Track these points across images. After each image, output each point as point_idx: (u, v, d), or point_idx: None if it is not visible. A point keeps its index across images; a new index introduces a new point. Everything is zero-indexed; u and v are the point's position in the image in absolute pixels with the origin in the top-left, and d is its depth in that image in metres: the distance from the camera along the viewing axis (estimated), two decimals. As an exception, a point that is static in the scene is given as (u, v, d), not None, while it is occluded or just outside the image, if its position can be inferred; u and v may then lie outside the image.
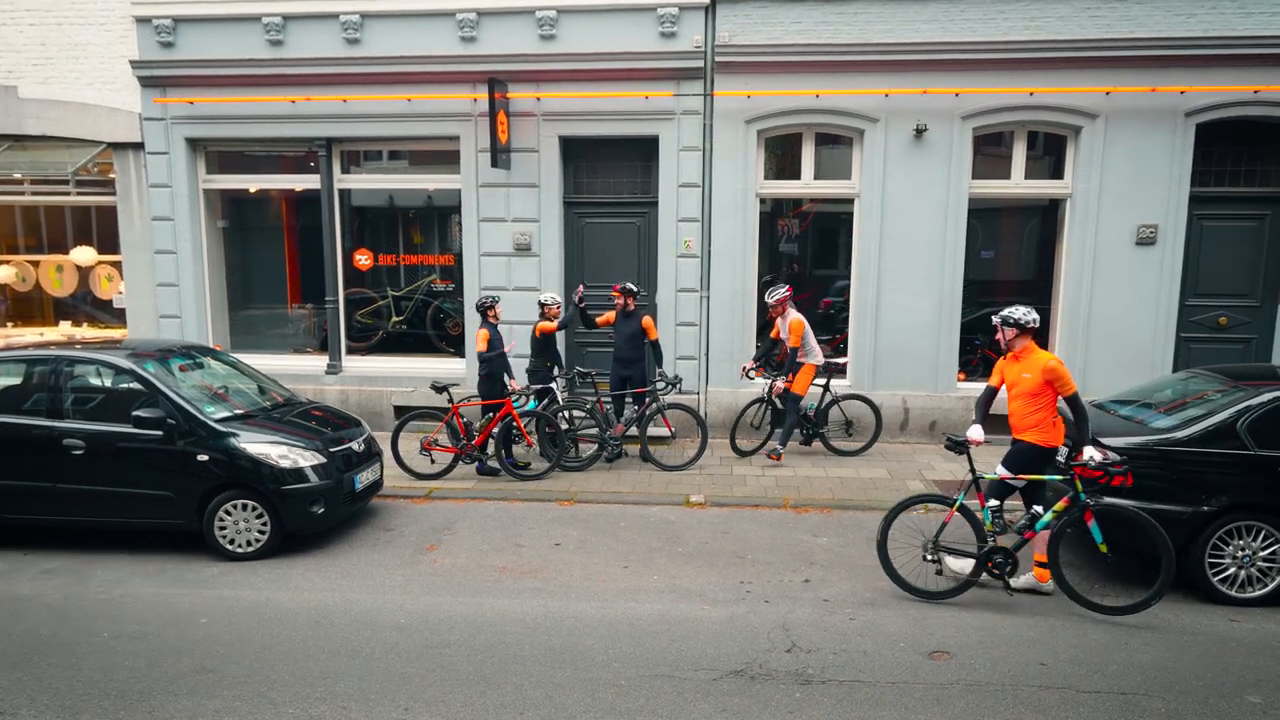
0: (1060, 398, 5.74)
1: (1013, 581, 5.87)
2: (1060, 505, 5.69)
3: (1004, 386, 5.99)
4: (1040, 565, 5.81)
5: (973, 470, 5.88)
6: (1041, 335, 10.09)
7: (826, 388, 9.43)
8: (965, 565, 5.98)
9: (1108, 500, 5.70)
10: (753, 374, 9.29)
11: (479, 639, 5.23)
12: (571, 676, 4.77)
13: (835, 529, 7.29)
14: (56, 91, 10.48)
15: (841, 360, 9.81)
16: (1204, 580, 5.78)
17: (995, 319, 5.98)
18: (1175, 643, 5.22)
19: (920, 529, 6.38)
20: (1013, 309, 5.85)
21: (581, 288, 9.44)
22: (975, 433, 5.83)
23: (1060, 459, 5.94)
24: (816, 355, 9.04)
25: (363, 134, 10.39)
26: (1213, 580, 5.77)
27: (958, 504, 5.82)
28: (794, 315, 8.91)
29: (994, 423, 8.25)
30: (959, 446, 5.78)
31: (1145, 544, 5.84)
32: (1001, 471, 5.89)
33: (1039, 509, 5.82)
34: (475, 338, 8.69)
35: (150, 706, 4.47)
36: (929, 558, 5.87)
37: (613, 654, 5.04)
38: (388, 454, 8.59)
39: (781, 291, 8.90)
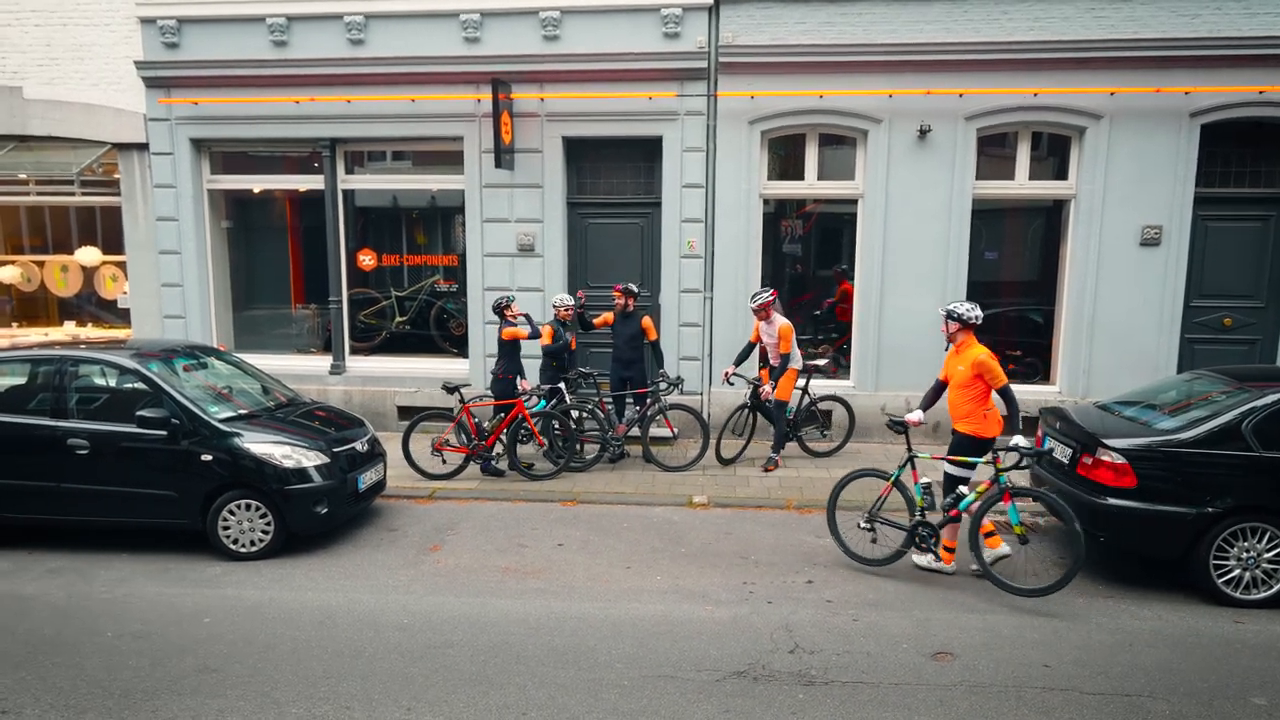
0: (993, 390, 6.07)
1: (916, 559, 6.39)
2: (982, 488, 6.05)
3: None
4: (947, 550, 6.28)
5: (909, 449, 6.41)
6: (1046, 335, 10.13)
7: (805, 390, 9.41)
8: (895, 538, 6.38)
9: (1025, 486, 6.31)
10: (733, 380, 9.12)
11: (482, 639, 5.24)
12: (574, 677, 4.77)
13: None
14: (61, 92, 10.50)
15: (822, 361, 9.77)
16: (1208, 582, 5.77)
17: (941, 310, 6.36)
18: (1180, 644, 5.21)
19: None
20: (957, 304, 6.23)
21: (582, 294, 9.40)
22: (915, 416, 6.31)
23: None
24: (798, 359, 8.99)
25: (366, 134, 10.40)
26: (1217, 582, 5.76)
27: (894, 479, 6.39)
28: (782, 320, 8.80)
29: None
30: (898, 426, 6.30)
31: (1149, 545, 5.88)
32: (948, 467, 6.28)
33: (964, 489, 6.17)
34: (501, 336, 8.69)
35: (154, 706, 4.48)
36: (863, 525, 6.47)
37: (616, 655, 5.04)
38: (398, 455, 8.61)
39: (766, 295, 8.76)
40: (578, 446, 9.06)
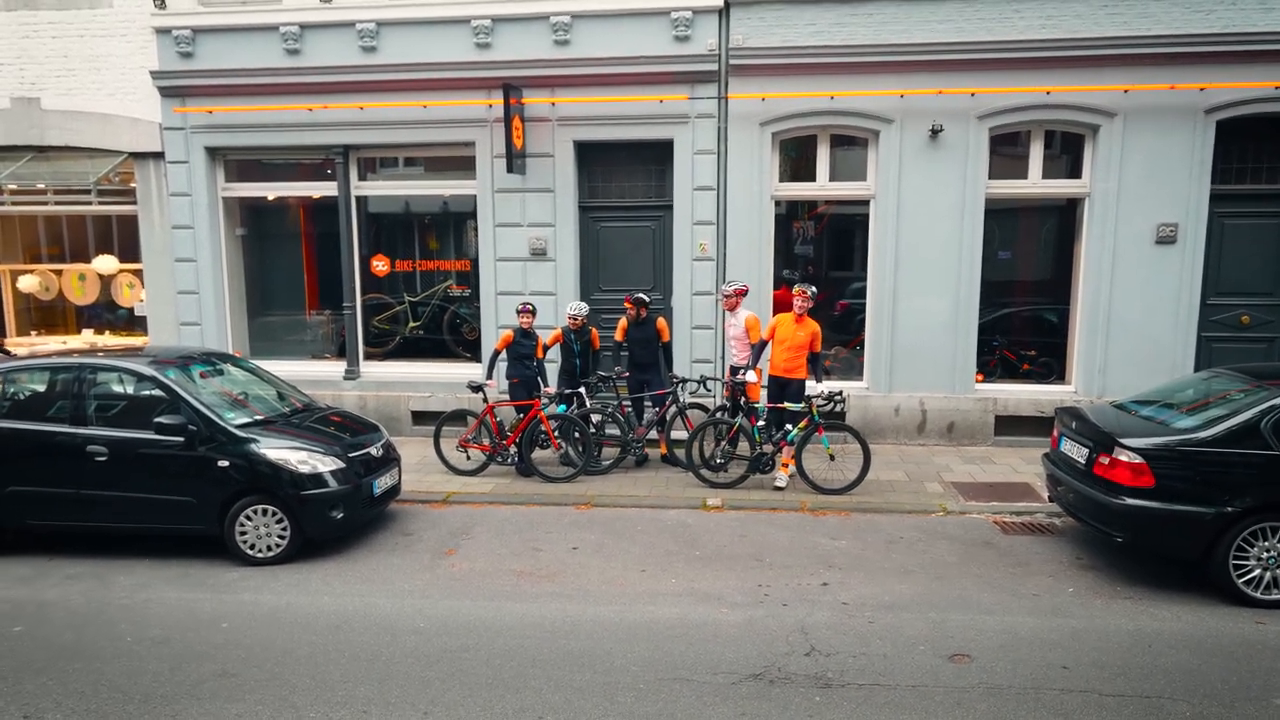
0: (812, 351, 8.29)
1: (777, 481, 8.37)
2: (802, 424, 8.17)
3: (772, 340, 8.40)
4: (784, 466, 8.36)
5: (750, 401, 8.45)
6: (1060, 334, 10.07)
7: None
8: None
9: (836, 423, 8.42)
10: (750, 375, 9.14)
11: (498, 643, 5.25)
12: (590, 680, 4.78)
13: (853, 532, 7.26)
14: (78, 102, 10.61)
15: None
16: (1228, 582, 5.71)
17: (800, 287, 8.23)
18: (1200, 646, 5.16)
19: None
20: (812, 285, 8.29)
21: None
22: (751, 376, 8.44)
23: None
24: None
25: (379, 141, 10.47)
26: (1237, 582, 5.70)
27: (738, 424, 8.33)
28: (748, 311, 8.91)
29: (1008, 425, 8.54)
30: (740, 386, 8.53)
31: (1167, 545, 5.85)
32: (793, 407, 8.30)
33: (790, 426, 8.25)
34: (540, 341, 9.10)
35: (173, 711, 4.51)
36: (719, 460, 8.48)
37: (631, 658, 5.04)
38: (415, 458, 8.83)
39: (740, 284, 8.90)
40: (597, 450, 9.09)
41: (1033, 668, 4.88)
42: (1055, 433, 7.06)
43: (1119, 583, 6.13)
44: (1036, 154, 9.72)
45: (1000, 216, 9.96)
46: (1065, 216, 10.02)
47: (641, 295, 9.07)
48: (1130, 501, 5.83)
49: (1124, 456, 5.89)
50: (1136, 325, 9.56)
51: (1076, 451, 6.51)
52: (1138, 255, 9.48)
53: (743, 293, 8.90)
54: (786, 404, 8.30)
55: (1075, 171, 9.76)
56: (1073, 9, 9.18)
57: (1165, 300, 9.49)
